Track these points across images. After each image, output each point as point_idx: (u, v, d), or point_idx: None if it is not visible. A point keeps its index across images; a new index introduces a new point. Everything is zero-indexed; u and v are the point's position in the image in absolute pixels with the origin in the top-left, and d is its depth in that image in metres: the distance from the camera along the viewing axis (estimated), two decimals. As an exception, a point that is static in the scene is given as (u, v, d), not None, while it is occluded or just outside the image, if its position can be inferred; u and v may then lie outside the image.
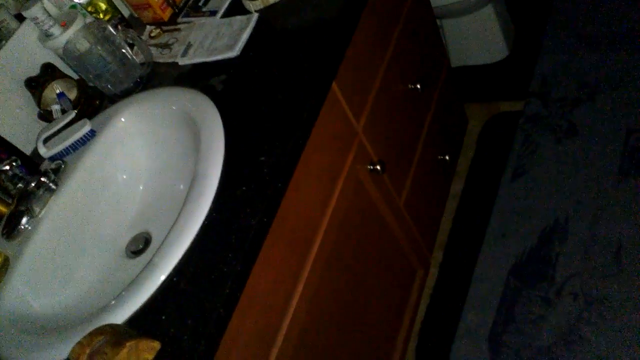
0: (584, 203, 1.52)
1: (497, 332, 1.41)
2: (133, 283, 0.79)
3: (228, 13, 1.18)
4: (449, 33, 1.95)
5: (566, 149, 1.66)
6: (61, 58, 1.17)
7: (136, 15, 1.30)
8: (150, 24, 1.28)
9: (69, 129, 1.06)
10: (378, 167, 1.15)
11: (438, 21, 1.90)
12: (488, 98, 1.94)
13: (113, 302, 0.78)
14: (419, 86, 1.36)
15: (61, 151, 1.05)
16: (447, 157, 1.60)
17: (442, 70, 1.62)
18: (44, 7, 1.11)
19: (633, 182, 1.50)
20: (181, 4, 1.28)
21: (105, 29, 1.08)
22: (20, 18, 1.14)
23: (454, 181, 1.77)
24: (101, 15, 1.24)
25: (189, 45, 1.13)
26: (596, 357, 1.26)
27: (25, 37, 1.15)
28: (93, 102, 1.14)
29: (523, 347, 1.35)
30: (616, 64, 1.77)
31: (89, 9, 1.23)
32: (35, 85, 1.13)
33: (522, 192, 1.63)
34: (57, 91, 1.14)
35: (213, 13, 1.19)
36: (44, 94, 1.13)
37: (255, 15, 1.11)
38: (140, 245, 1.01)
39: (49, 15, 1.12)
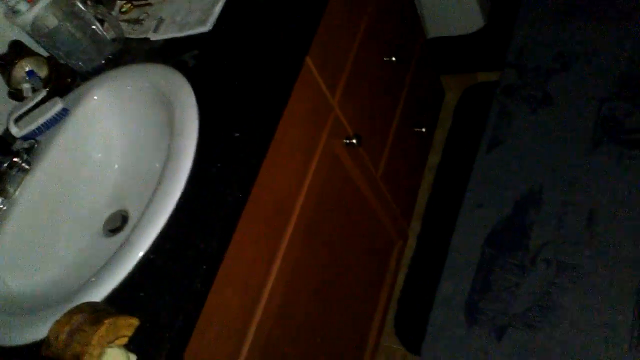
0: (558, 172, 1.55)
1: (473, 299, 1.44)
2: (111, 261, 0.79)
3: (200, -13, 1.16)
4: (425, 4, 1.94)
5: (541, 118, 1.68)
6: (29, 35, 1.14)
7: (106, -10, 1.28)
8: (121, -1, 1.25)
9: (40, 107, 1.05)
10: (354, 141, 1.16)
11: (414, -8, 1.89)
12: (465, 69, 1.94)
13: (91, 280, 0.78)
14: (394, 58, 1.36)
15: (33, 130, 1.04)
16: (423, 129, 1.61)
17: (418, 42, 1.62)
18: (9, -18, 1.08)
19: (605, 150, 1.52)
20: (152, -22, 1.25)
21: (74, 4, 1.06)
22: (-15, -6, 1.11)
23: (431, 153, 1.78)
24: (70, -9, 1.21)
25: (161, 21, 1.12)
26: (569, 322, 1.30)
27: (-9, 14, 1.12)
28: (64, 80, 1.12)
29: (498, 314, 1.39)
30: (590, 33, 1.78)
31: (57, -16, 1.20)
32: (4, 63, 1.10)
33: (498, 163, 1.65)
34: (27, 69, 1.11)
35: (184, -13, 1.17)
36: (13, 72, 1.10)
37: (227, -11, 1.09)
38: (117, 223, 1.01)
39: (15, -9, 1.09)
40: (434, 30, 2.03)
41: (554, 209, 1.49)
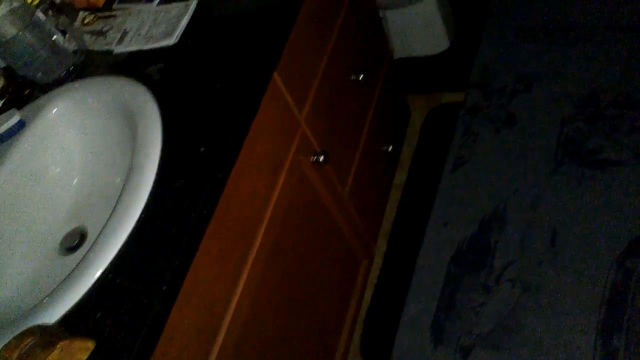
0: (522, 191, 1.57)
1: (439, 319, 1.43)
2: (66, 280, 0.75)
3: (166, -1, 1.14)
4: (392, 24, 1.96)
5: (505, 139, 1.70)
6: (-14, 45, 1.10)
7: (68, 1, 1.24)
8: (84, 10, 1.22)
9: (-5, 120, 1.01)
10: (321, 158, 1.15)
11: (381, 12, 1.91)
12: (430, 89, 1.97)
13: (45, 301, 0.74)
14: (361, 77, 1.36)
15: (-13, 143, 0.99)
16: (390, 148, 1.61)
17: (385, 62, 1.63)
18: (-36, -10, 1.04)
19: (566, 170, 1.55)
20: (117, -10, 1.23)
21: (33, 14, 1.03)
22: (-61, 1, 1.07)
23: (397, 171, 1.79)
24: (29, 0, 1.17)
25: (125, 33, 1.09)
26: (533, 342, 1.31)
27: (-54, 21, 1.08)
28: (22, 91, 1.08)
29: (464, 334, 1.38)
30: (552, 55, 1.83)
31: (16, -8, 1.17)
32: (-42, 73, 1.06)
33: (463, 182, 1.67)
34: (-18, 80, 1.07)
35: (150, -1, 1.15)
36: (-33, 82, 1.06)
37: (194, 2, 1.08)
38: (75, 241, 0.97)
39: (-29, -2, 1.05)
40: (400, 51, 2.05)
41: (518, 228, 1.50)
